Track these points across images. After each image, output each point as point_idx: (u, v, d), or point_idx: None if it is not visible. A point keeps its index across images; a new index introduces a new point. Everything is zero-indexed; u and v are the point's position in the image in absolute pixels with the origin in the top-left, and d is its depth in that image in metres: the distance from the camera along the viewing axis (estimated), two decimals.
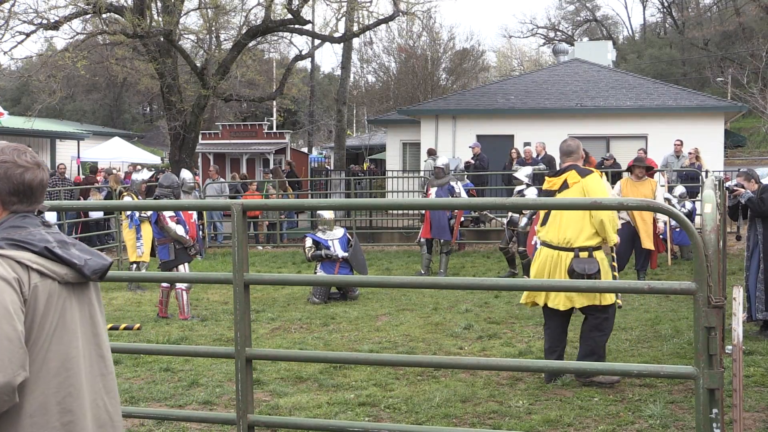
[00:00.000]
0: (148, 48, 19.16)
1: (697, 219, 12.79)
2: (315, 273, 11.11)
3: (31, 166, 2.49)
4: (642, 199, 4.26)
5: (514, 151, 18.56)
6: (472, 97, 23.87)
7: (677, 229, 12.79)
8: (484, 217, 16.64)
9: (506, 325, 8.87)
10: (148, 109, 59.12)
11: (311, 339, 8.28)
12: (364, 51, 41.08)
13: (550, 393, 6.06)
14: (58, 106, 31.42)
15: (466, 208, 13.74)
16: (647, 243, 11.04)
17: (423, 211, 14.17)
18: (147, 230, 12.20)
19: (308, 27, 21.61)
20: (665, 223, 11.81)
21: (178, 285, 9.48)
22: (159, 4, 19.69)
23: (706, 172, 15.61)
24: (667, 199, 13.05)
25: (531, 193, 12.12)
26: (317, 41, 25.63)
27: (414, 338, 8.21)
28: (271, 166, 25.84)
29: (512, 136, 21.30)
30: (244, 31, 20.60)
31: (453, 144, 21.95)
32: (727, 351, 3.84)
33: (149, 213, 10.88)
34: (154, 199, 11.11)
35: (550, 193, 6.43)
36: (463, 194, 13.53)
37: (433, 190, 13.01)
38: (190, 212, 10.02)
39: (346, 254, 10.99)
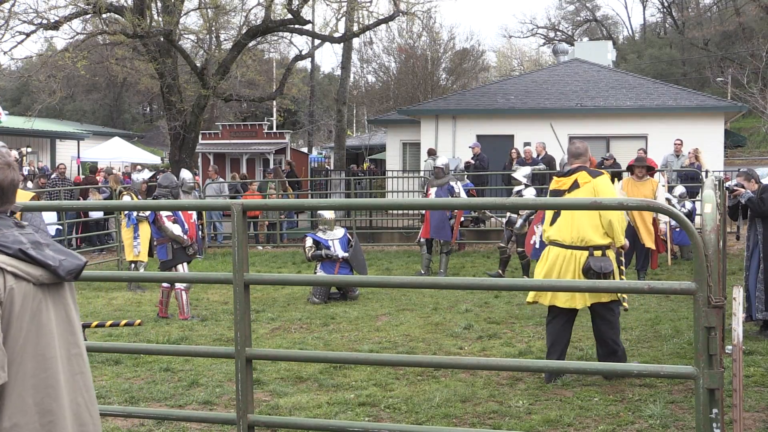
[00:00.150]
0: (148, 48, 19.15)
1: (697, 219, 12.80)
2: (315, 273, 11.11)
3: (1, 166, 2.47)
4: (642, 199, 4.26)
5: (514, 151, 18.57)
6: (472, 97, 23.87)
7: (677, 229, 12.79)
8: (483, 215, 16.66)
9: (506, 325, 8.87)
10: (148, 109, 59.13)
11: (311, 339, 8.28)
12: (364, 51, 41.12)
13: (550, 393, 6.06)
14: (58, 106, 31.42)
15: (466, 208, 13.74)
16: (648, 242, 11.04)
17: (423, 211, 14.18)
18: (145, 230, 12.22)
19: (308, 27, 21.60)
20: (666, 224, 11.81)
21: (178, 285, 9.48)
22: (159, 4, 19.68)
23: (706, 172, 15.61)
24: (667, 199, 13.05)
25: (529, 194, 12.13)
26: (317, 41, 25.63)
27: (414, 338, 8.21)
28: (271, 166, 25.83)
29: (512, 136, 21.31)
30: (244, 31, 20.59)
31: (453, 144, 21.96)
32: (727, 351, 3.84)
33: (147, 213, 10.89)
34: (153, 198, 11.13)
35: (560, 193, 6.43)
36: (463, 194, 13.54)
37: (432, 190, 13.01)
38: (189, 212, 10.02)
39: (346, 254, 10.99)
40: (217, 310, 10.29)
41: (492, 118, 22.00)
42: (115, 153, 29.61)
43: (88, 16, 19.35)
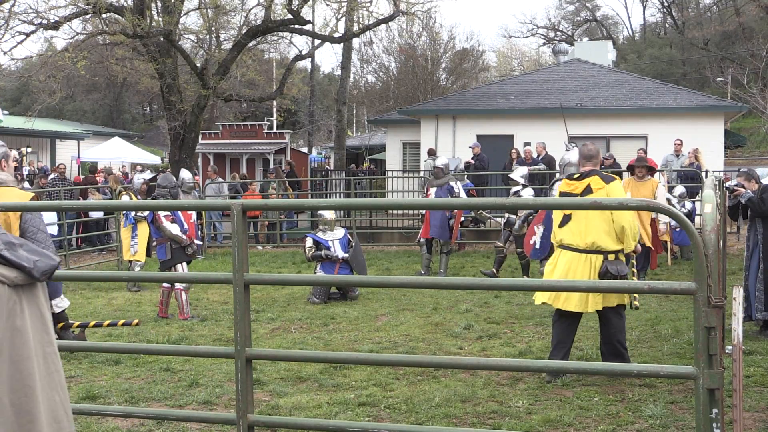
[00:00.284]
0: (148, 48, 19.15)
1: (697, 219, 12.79)
2: (315, 273, 11.11)
3: None
4: (642, 199, 4.26)
5: (514, 151, 18.57)
6: (472, 97, 23.87)
7: (677, 229, 12.79)
8: (480, 216, 16.64)
9: (506, 325, 8.87)
10: (148, 109, 59.13)
11: (311, 339, 8.28)
12: (364, 51, 41.14)
13: (550, 393, 6.06)
14: (58, 106, 31.42)
15: (465, 208, 13.74)
16: (648, 242, 11.03)
17: (423, 211, 14.17)
18: (143, 230, 12.23)
19: (308, 27, 21.60)
20: (666, 224, 11.80)
21: (177, 285, 9.49)
22: (159, 4, 19.68)
23: (706, 172, 15.61)
24: (668, 199, 13.05)
25: (527, 194, 12.13)
26: (317, 41, 25.62)
27: (414, 338, 8.21)
28: (271, 166, 25.83)
29: (512, 136, 21.31)
30: (244, 31, 20.59)
31: (453, 144, 21.96)
32: (727, 351, 3.84)
33: (145, 213, 10.90)
34: (153, 199, 11.13)
35: (572, 197, 6.42)
36: (463, 194, 13.54)
37: (432, 190, 13.01)
38: (189, 212, 10.03)
39: (346, 255, 10.99)
40: (217, 310, 10.29)
41: (492, 118, 22.00)
42: (115, 153, 29.61)
43: (88, 16, 19.35)
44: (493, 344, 7.83)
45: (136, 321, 9.21)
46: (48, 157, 32.18)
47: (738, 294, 4.04)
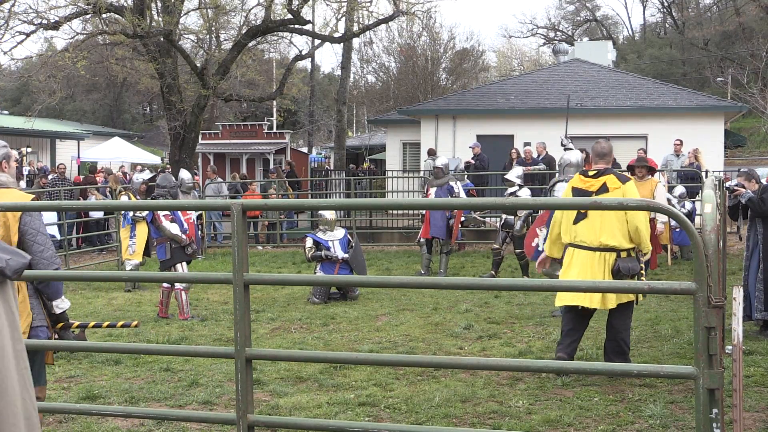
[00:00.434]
0: (148, 48, 19.14)
1: (697, 219, 12.79)
2: (315, 273, 11.11)
3: None
4: (642, 199, 4.26)
5: (514, 151, 18.56)
6: (472, 97, 23.87)
7: (677, 229, 12.79)
8: (475, 222, 16.59)
9: (506, 325, 8.87)
10: (148, 109, 59.12)
11: (311, 339, 8.28)
12: (364, 51, 41.12)
13: (550, 393, 6.06)
14: (58, 106, 31.41)
15: (465, 208, 13.74)
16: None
17: (423, 211, 14.17)
18: (141, 230, 12.23)
19: (308, 27, 21.58)
20: (664, 224, 11.79)
21: (177, 285, 9.49)
22: (159, 4, 19.67)
23: (706, 172, 15.61)
24: (668, 199, 13.05)
25: (524, 194, 12.12)
26: (317, 41, 25.61)
27: (414, 338, 8.21)
28: (271, 166, 25.83)
29: (512, 136, 21.31)
30: (244, 31, 20.58)
31: (453, 144, 21.96)
32: (727, 351, 3.84)
33: (144, 213, 10.90)
34: (152, 198, 11.13)
35: (587, 194, 6.39)
36: (462, 194, 13.54)
37: (432, 190, 13.01)
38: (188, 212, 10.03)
39: (346, 255, 10.99)
40: (217, 310, 10.29)
41: (492, 118, 22.00)
42: (115, 153, 29.61)
43: (88, 16, 19.33)
44: (493, 344, 7.83)
45: (135, 322, 9.18)
46: (48, 157, 32.18)
47: (738, 294, 4.04)
